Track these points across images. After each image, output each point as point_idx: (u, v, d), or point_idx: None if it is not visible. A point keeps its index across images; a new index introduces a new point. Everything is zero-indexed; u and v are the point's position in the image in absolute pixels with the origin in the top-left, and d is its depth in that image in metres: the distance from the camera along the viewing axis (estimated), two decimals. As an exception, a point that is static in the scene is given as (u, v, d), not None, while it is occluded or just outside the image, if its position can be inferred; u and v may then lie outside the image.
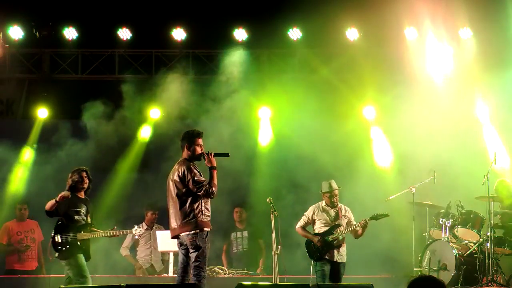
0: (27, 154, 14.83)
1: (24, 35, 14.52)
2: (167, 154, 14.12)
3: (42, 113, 14.93)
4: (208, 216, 9.36)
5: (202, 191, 9.25)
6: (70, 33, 14.58)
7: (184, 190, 9.31)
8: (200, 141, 9.54)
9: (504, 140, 13.78)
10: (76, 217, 10.26)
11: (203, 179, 9.35)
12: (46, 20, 14.62)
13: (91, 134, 14.77)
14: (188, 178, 9.29)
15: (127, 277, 12.65)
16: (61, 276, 12.26)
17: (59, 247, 10.21)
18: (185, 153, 9.52)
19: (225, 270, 12.89)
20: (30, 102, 15.06)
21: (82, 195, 10.44)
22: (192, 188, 9.28)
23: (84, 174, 10.42)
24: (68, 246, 10.19)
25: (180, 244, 9.40)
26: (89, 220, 10.41)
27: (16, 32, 14.47)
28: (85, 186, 10.43)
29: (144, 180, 14.52)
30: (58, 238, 10.20)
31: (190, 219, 9.25)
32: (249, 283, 9.28)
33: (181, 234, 9.30)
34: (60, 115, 14.98)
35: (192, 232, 9.24)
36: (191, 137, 9.54)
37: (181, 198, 9.32)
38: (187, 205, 9.28)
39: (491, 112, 14.05)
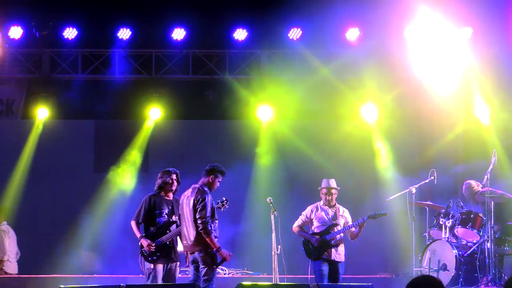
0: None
1: (24, 35, 14.51)
2: (166, 155, 14.14)
3: (42, 113, 14.92)
4: None
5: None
6: (70, 33, 14.56)
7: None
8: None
9: (504, 140, 13.77)
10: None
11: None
12: (46, 20, 14.59)
13: (91, 134, 14.75)
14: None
15: (127, 277, 12.65)
16: (62, 276, 12.30)
17: None
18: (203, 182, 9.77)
19: (225, 270, 12.88)
20: (30, 102, 15.06)
21: (169, 196, 10.45)
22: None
23: (174, 176, 10.42)
24: None
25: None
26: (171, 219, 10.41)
27: (16, 32, 14.45)
28: (173, 188, 10.45)
29: (146, 180, 14.51)
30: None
31: None
32: (249, 283, 9.27)
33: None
34: (59, 115, 14.98)
35: None
36: (219, 173, 9.79)
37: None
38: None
39: (491, 112, 14.04)
